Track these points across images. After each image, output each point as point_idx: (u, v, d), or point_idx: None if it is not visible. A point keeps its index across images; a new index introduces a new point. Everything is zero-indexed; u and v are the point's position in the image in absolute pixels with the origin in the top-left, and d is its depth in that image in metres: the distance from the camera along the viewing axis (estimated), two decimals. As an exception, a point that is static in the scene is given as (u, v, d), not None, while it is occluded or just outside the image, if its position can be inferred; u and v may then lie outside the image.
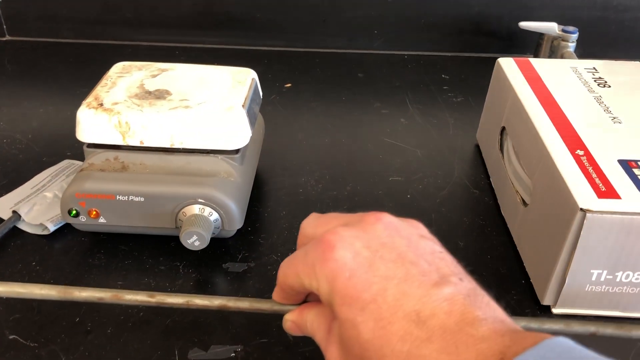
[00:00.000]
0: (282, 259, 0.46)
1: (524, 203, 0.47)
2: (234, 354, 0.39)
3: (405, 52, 0.82)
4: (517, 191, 0.49)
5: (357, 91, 0.72)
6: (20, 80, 0.72)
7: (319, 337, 0.30)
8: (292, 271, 0.31)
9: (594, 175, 0.41)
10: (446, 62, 0.80)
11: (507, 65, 0.56)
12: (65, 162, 0.56)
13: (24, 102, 0.67)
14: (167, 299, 0.42)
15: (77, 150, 0.59)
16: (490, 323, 0.25)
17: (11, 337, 0.40)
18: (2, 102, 0.67)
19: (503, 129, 0.54)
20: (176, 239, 0.48)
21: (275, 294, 0.34)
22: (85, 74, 0.74)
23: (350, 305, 0.26)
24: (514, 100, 0.51)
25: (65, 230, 0.49)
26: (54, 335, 0.40)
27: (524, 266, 0.46)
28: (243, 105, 0.47)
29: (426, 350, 0.24)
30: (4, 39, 0.83)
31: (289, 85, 0.73)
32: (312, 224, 0.33)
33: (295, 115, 0.67)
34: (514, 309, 0.43)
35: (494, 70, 0.58)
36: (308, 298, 0.34)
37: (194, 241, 0.44)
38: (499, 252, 0.48)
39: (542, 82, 0.53)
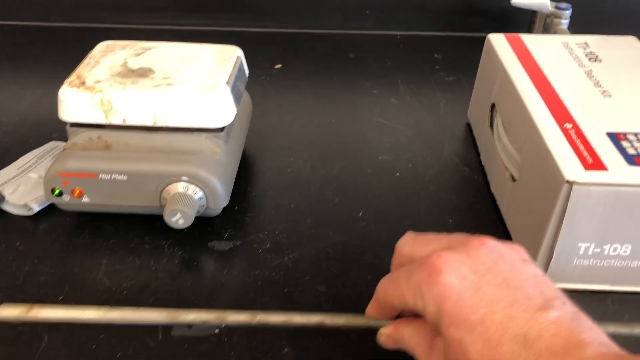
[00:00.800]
0: (269, 238, 0.46)
1: (513, 179, 0.47)
2: (217, 331, 0.38)
3: (398, 32, 0.81)
4: (506, 167, 0.48)
5: (348, 72, 0.71)
6: (8, 64, 0.71)
7: (419, 352, 0.32)
8: (394, 291, 0.32)
9: (582, 148, 0.40)
10: (439, 42, 0.79)
11: (497, 41, 0.55)
12: (51, 144, 0.56)
13: (12, 85, 0.67)
14: (267, 316, 0.38)
15: (63, 132, 0.58)
16: (596, 346, 0.26)
17: (-7, 316, 0.39)
18: (-10, 86, 0.66)
19: (493, 105, 0.53)
20: (161, 217, 0.47)
21: (371, 309, 0.35)
22: (74, 57, 0.72)
23: (458, 326, 0.28)
24: (503, 76, 0.51)
25: (50, 210, 0.48)
26: (36, 314, 0.39)
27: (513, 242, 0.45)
28: (227, 83, 0.46)
29: None
30: (-7, 23, 0.82)
31: (279, 66, 0.72)
32: (410, 244, 0.34)
33: (285, 96, 0.66)
34: (501, 285, 0.42)
35: (484, 47, 0.57)
36: (402, 313, 0.34)
37: (178, 219, 0.43)
38: (487, 229, 0.47)
39: (532, 57, 0.52)
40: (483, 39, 0.57)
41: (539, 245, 0.40)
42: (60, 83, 0.45)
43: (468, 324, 0.28)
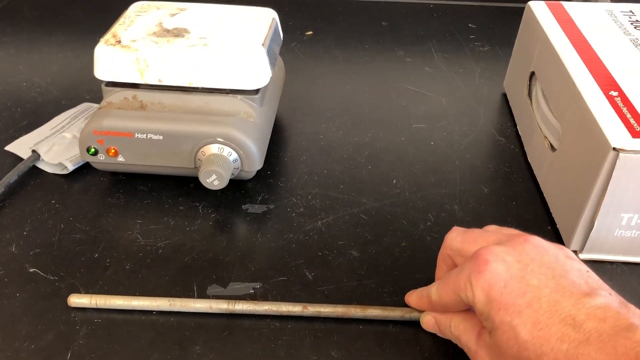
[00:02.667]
0: (302, 202, 0.46)
1: (552, 148, 0.46)
2: (252, 291, 0.38)
3: (431, 1, 0.79)
4: (545, 136, 0.47)
5: (380, 40, 0.70)
6: (39, 27, 0.71)
7: (465, 339, 0.33)
8: (447, 290, 0.33)
9: (629, 116, 0.39)
10: (473, 11, 0.77)
11: (538, 8, 0.54)
12: (84, 105, 0.56)
13: (44, 47, 0.67)
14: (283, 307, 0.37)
15: (95, 94, 0.58)
16: None
17: (31, 270, 0.40)
18: (22, 48, 0.66)
19: (532, 74, 0.52)
20: (195, 180, 0.47)
21: (414, 300, 0.37)
22: (104, 20, 0.72)
23: (507, 310, 0.29)
24: (544, 43, 0.49)
25: (84, 170, 0.48)
26: (73, 270, 0.40)
27: (550, 212, 0.45)
28: (263, 44, 0.45)
29: (585, 350, 0.26)
30: (23, -14, 0.82)
31: (310, 33, 0.71)
32: (459, 239, 0.35)
33: (316, 62, 0.65)
34: (538, 254, 0.41)
35: (523, 15, 0.56)
36: None
37: (213, 180, 0.43)
38: (524, 199, 0.46)
39: (575, 25, 0.51)
40: (518, 9, 0.55)
41: (579, 215, 0.39)
42: (90, 45, 0.45)
43: (516, 307, 0.29)
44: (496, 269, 0.30)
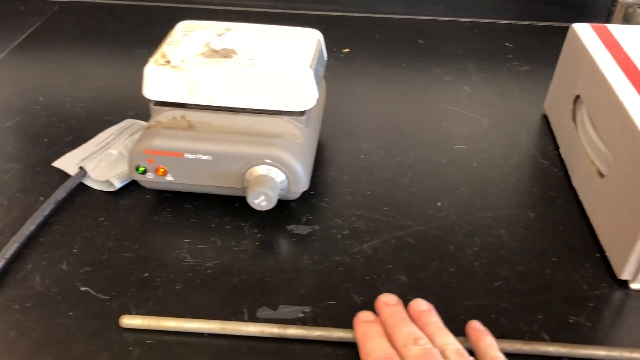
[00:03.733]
0: (347, 224, 0.46)
1: (600, 174, 0.45)
2: (302, 314, 0.39)
3: (467, 19, 0.79)
4: (592, 162, 0.47)
5: (417, 58, 0.70)
6: (80, 41, 0.72)
7: None
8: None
9: (685, 145, 0.38)
10: (509, 30, 0.77)
11: (583, 31, 0.53)
12: (128, 121, 0.56)
13: (85, 62, 0.68)
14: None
15: (138, 110, 0.59)
16: None
17: (83, 288, 0.40)
18: (64, 62, 0.67)
19: (577, 97, 0.52)
20: (240, 199, 0.47)
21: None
22: (143, 36, 0.74)
23: None
24: (591, 67, 0.49)
25: (130, 187, 0.49)
26: (123, 289, 0.40)
27: (598, 239, 0.44)
28: (310, 66, 0.46)
29: None
30: (64, 0, 0.83)
31: (347, 50, 0.71)
32: (390, 319, 0.36)
33: (354, 80, 0.65)
34: (589, 283, 0.41)
35: (567, 37, 0.55)
36: None
37: (261, 201, 0.43)
38: (570, 224, 0.46)
39: (622, 48, 0.50)
40: (556, 28, 0.55)
41: (633, 244, 0.39)
42: (131, 60, 0.46)
43: None
44: None
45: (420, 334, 0.34)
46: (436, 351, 0.33)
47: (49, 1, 0.82)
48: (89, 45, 0.71)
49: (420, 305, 0.37)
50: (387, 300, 0.37)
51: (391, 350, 0.33)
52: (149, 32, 0.74)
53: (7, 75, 0.65)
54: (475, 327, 0.36)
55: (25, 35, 0.73)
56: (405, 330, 0.34)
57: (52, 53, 0.69)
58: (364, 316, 0.36)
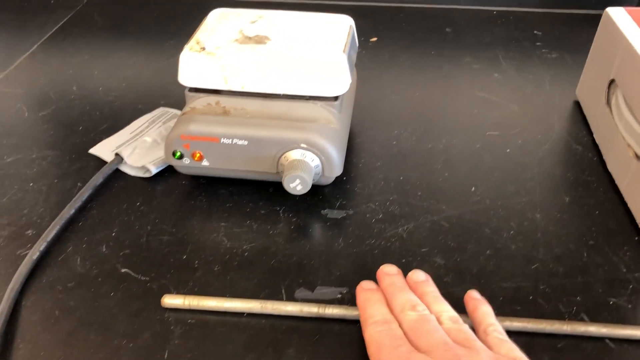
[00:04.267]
0: (380, 209, 0.46)
1: (637, 157, 0.45)
2: (339, 295, 0.39)
3: (494, 8, 0.78)
4: (628, 145, 0.46)
5: (445, 46, 0.70)
6: (110, 33, 0.73)
7: None
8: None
9: None
10: (537, 19, 0.76)
11: (617, 15, 0.53)
12: (160, 110, 0.57)
13: (115, 53, 0.69)
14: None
15: (169, 99, 0.60)
16: None
17: (123, 270, 0.41)
18: (95, 53, 0.68)
19: (611, 82, 0.51)
20: (274, 185, 0.48)
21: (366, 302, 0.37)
22: (171, 27, 0.75)
23: None
24: (627, 50, 0.48)
25: (166, 174, 0.50)
26: (163, 271, 0.41)
27: (636, 222, 0.44)
28: (343, 51, 0.46)
29: None
30: (92, -7, 0.84)
31: (374, 39, 0.71)
32: (390, 288, 0.37)
33: (383, 69, 0.65)
34: (627, 266, 0.41)
35: (601, 21, 0.55)
36: None
37: (297, 185, 0.44)
38: (607, 208, 0.46)
39: (658, 32, 0.50)
40: (585, 15, 0.55)
41: (673, 226, 0.39)
42: (160, 51, 0.46)
43: None
44: None
45: (417, 300, 0.35)
46: (432, 317, 0.34)
47: (78, -5, 0.83)
48: (118, 37, 0.72)
49: (418, 275, 0.38)
50: (388, 271, 0.38)
51: (390, 316, 0.34)
52: (177, 24, 0.75)
53: (41, 66, 0.66)
54: (473, 296, 0.37)
55: (56, 27, 0.75)
56: (403, 297, 0.35)
57: (83, 44, 0.70)
58: (365, 285, 0.38)
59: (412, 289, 0.37)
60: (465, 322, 0.34)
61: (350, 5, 0.79)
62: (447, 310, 0.35)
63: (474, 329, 0.34)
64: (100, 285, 0.40)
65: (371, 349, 0.33)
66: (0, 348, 0.36)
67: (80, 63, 0.67)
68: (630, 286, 0.39)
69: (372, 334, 0.33)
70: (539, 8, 0.79)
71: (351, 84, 0.51)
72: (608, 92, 0.52)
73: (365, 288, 0.37)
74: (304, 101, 0.46)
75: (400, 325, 0.33)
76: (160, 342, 0.36)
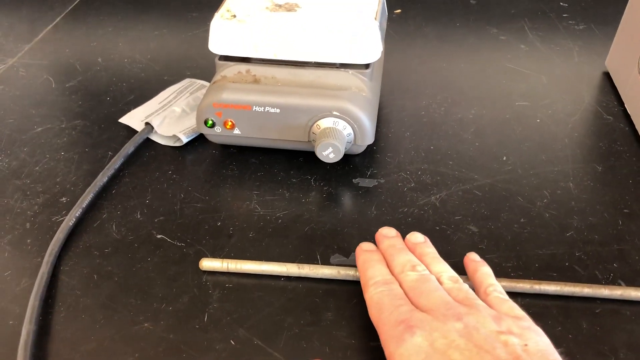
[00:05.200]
0: (412, 178, 0.46)
1: (673, 126, 0.44)
2: (375, 262, 0.39)
3: (519, -20, 0.77)
4: (663, 114, 0.46)
5: (470, 18, 0.69)
6: (132, 5, 0.73)
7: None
8: (375, 319, 0.33)
9: None
10: (563, -10, 0.75)
11: (651, -17, 0.52)
12: (187, 81, 0.57)
13: (139, 25, 0.68)
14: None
15: (195, 70, 0.60)
16: None
17: (159, 236, 0.41)
18: (118, 26, 0.68)
19: (645, 51, 0.50)
20: (304, 154, 0.48)
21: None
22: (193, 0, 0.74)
23: None
24: (661, 18, 0.48)
25: (196, 143, 0.50)
26: (198, 237, 0.41)
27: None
28: (375, 18, 0.45)
29: None
30: (111, -33, 0.83)
31: (398, 11, 0.71)
32: (389, 250, 0.38)
33: (409, 40, 0.65)
34: (663, 233, 0.41)
35: (633, -10, 0.54)
36: None
37: (329, 153, 0.44)
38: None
39: (693, -1, 0.49)
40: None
41: None
42: (184, 23, 0.46)
43: None
44: (419, 342, 0.29)
45: (417, 261, 0.35)
46: (433, 277, 0.34)
47: (98, -32, 0.82)
48: (141, 9, 0.72)
49: (417, 237, 0.38)
50: (387, 233, 0.39)
51: (390, 277, 0.34)
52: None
53: (65, 38, 0.66)
54: (472, 258, 0.37)
55: (78, 0, 0.74)
56: (403, 258, 0.35)
57: (106, 17, 0.70)
58: (365, 246, 0.38)
59: (411, 250, 0.37)
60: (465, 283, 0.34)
61: (372, -23, 0.78)
62: (446, 270, 0.35)
63: (474, 290, 0.34)
64: (136, 250, 0.40)
65: (372, 310, 0.33)
66: (41, 311, 0.36)
67: (104, 35, 0.66)
68: (667, 253, 0.39)
69: (373, 295, 0.33)
70: (564, -20, 0.77)
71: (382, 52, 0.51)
72: (641, 61, 0.51)
73: (364, 249, 0.37)
74: (335, 69, 0.46)
75: (400, 286, 0.34)
76: (199, 305, 0.36)
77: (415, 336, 0.29)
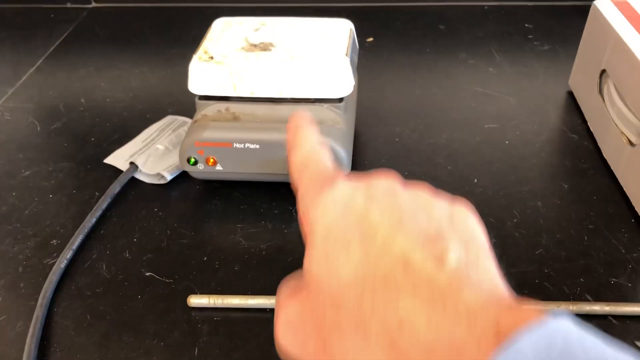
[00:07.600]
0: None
1: (631, 143, 0.47)
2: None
3: (485, 3, 0.81)
4: (622, 132, 0.48)
5: (440, 43, 0.72)
6: (112, 44, 0.75)
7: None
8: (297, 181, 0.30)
9: None
10: (527, 12, 0.78)
11: (605, 7, 0.55)
12: (169, 118, 0.59)
13: (119, 64, 0.70)
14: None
15: (177, 107, 0.62)
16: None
17: (147, 274, 0.43)
18: (99, 65, 0.70)
19: (602, 72, 0.53)
20: (285, 185, 0.50)
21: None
22: (171, 36, 0.76)
23: (335, 240, 0.24)
24: (616, 41, 0.51)
25: (179, 179, 0.51)
26: (186, 273, 0.43)
27: (632, 205, 0.46)
28: (346, 54, 0.48)
29: (405, 298, 0.21)
30: (90, 6, 0.86)
31: (371, 39, 0.73)
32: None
33: (381, 68, 0.67)
34: (626, 247, 0.43)
35: (589, 14, 0.57)
36: None
37: (308, 185, 0.45)
38: (604, 193, 0.48)
39: (645, 22, 0.52)
40: (574, 7, 0.57)
41: (667, 207, 0.41)
42: (163, 60, 0.48)
43: (347, 238, 0.24)
44: (340, 192, 0.25)
45: None
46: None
47: (78, 8, 0.84)
48: (120, 48, 0.74)
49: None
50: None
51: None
52: (176, 32, 0.77)
53: (47, 80, 0.68)
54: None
55: (59, 41, 0.76)
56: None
57: (87, 57, 0.72)
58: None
59: None
60: None
61: (345, 6, 0.81)
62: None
63: None
64: (127, 289, 0.42)
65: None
66: (37, 353, 0.37)
67: (86, 75, 0.68)
68: (630, 266, 0.41)
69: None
70: (528, 1, 0.81)
71: (354, 85, 0.53)
72: (600, 82, 0.54)
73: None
74: (310, 104, 0.48)
75: None
76: (189, 340, 0.38)
77: (335, 190, 0.25)
